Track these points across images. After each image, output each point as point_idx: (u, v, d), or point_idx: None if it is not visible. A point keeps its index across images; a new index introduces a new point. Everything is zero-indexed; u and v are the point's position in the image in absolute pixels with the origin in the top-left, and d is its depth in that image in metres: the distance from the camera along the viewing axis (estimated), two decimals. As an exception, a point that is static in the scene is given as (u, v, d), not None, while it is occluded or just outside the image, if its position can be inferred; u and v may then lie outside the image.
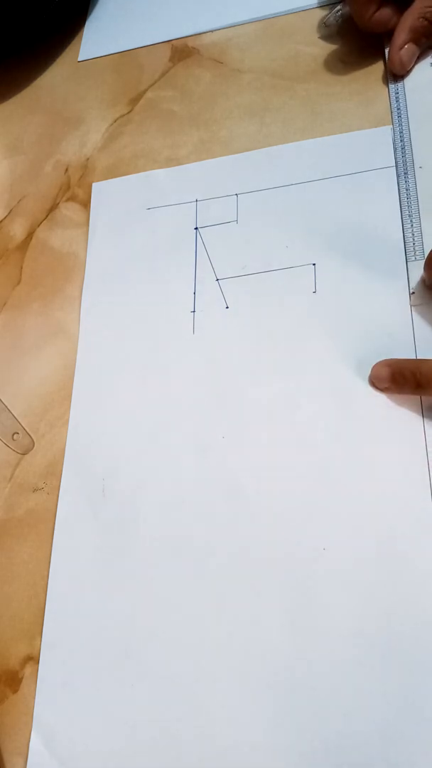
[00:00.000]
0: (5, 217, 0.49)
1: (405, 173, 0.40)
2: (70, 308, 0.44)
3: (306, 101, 0.45)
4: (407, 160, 0.40)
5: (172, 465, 0.37)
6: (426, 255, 0.35)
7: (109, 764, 0.32)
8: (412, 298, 0.36)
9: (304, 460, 0.35)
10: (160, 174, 0.46)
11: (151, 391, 0.39)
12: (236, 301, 0.40)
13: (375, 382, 0.35)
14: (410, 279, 0.37)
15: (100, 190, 0.47)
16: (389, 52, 0.42)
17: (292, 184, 0.42)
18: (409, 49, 0.41)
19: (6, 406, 0.42)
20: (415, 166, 0.40)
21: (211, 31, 0.50)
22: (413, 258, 0.37)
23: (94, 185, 0.47)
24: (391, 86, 0.42)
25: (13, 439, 0.41)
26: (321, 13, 0.47)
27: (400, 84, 0.42)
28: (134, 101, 0.50)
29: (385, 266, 0.38)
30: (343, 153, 0.42)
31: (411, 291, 0.37)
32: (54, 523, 0.38)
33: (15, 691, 0.35)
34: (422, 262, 0.36)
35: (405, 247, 0.38)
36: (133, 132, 0.49)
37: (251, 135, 0.45)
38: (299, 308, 0.38)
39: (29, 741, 0.33)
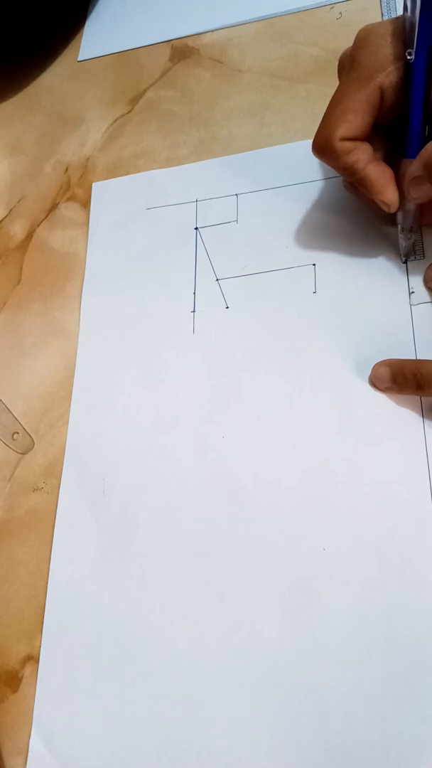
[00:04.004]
0: (5, 217, 0.49)
1: (405, 173, 0.40)
2: (70, 308, 0.44)
3: (306, 101, 0.44)
4: (407, 160, 0.40)
5: (172, 465, 0.37)
6: (425, 253, 0.35)
7: (109, 764, 0.32)
8: (411, 297, 0.36)
9: (304, 460, 0.35)
10: (160, 174, 0.46)
11: (151, 391, 0.39)
12: (236, 301, 0.40)
13: (375, 382, 0.35)
14: (410, 278, 0.37)
15: (100, 190, 0.47)
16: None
17: (292, 184, 0.42)
18: None
19: (6, 406, 0.42)
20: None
21: (211, 31, 0.50)
22: (413, 257, 0.37)
23: (94, 185, 0.47)
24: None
25: (13, 439, 0.41)
26: (321, 13, 0.47)
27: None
28: (134, 101, 0.50)
29: (385, 266, 0.37)
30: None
31: (411, 290, 0.37)
32: (54, 523, 0.38)
33: (15, 691, 0.35)
34: (422, 261, 0.36)
35: (405, 247, 0.38)
36: (133, 132, 0.49)
37: (251, 135, 0.45)
38: (299, 308, 0.38)
39: (29, 741, 0.33)
